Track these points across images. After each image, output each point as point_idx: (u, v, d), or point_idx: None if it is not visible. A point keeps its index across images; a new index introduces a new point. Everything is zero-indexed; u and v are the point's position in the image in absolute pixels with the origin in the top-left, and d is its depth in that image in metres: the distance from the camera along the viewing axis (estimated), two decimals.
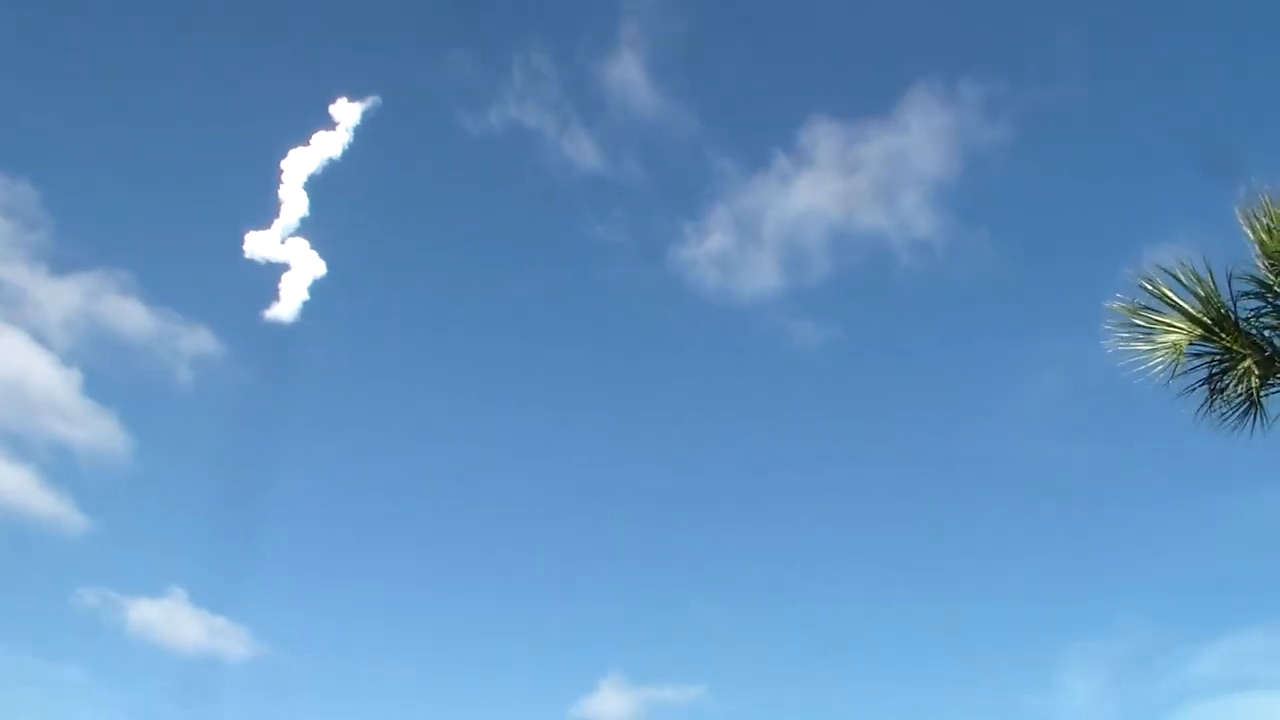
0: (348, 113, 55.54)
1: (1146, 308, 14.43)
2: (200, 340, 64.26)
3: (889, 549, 66.40)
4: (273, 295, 55.60)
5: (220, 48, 73.77)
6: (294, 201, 54.20)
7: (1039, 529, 64.52)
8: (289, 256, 54.88)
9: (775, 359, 70.89)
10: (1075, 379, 63.31)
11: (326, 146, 54.78)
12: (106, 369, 64.68)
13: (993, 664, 59.77)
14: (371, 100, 56.79)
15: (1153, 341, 14.34)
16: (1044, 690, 56.68)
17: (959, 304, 72.99)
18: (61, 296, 63.59)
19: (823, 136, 71.46)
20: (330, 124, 55.52)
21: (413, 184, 75.05)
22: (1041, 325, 72.05)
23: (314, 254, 55.30)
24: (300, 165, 54.26)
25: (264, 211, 55.53)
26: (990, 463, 67.02)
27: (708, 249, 68.16)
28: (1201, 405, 14.50)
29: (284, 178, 54.60)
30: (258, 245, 54.45)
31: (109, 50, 72.88)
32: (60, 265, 67.73)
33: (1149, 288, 14.42)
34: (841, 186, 68.21)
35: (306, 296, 55.59)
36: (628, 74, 69.02)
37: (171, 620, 57.71)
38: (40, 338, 61.82)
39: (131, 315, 63.61)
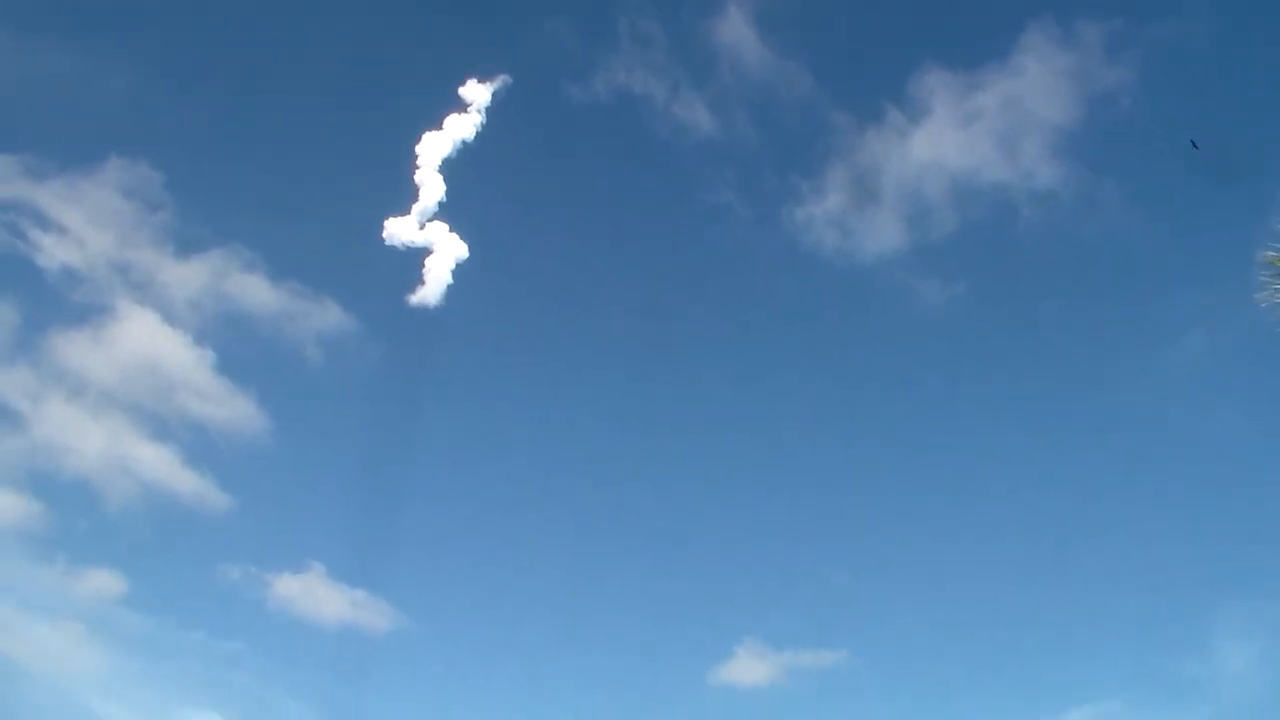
0: (478, 93, 56.41)
1: None
2: (329, 315, 65.75)
3: (1025, 515, 65.22)
4: (415, 280, 56.74)
5: (342, 29, 75.66)
6: (431, 185, 55.03)
7: (1188, 494, 62.25)
8: (429, 240, 55.81)
9: (900, 319, 69.49)
10: (1222, 338, 60.39)
11: (459, 128, 55.61)
12: (237, 347, 66.14)
13: (1142, 632, 58.21)
14: (501, 80, 57.62)
15: None
16: (1198, 655, 55.05)
17: (1089, 259, 70.25)
18: (188, 276, 65.44)
19: (937, 86, 69.65)
20: (461, 106, 56.54)
21: (536, 160, 75.56)
22: (1180, 281, 68.64)
23: (454, 236, 56.19)
24: (434, 148, 55.17)
25: (396, 194, 56.79)
26: (1134, 427, 64.88)
27: (825, 208, 67.25)
28: None
29: (419, 162, 55.69)
30: (397, 230, 55.33)
31: (232, 34, 75.30)
32: (184, 245, 67.87)
33: None
34: (959, 138, 66.36)
35: (450, 280, 56.58)
36: (736, 32, 68.18)
37: (313, 595, 60.03)
38: (170, 318, 64.01)
39: (257, 292, 65.30)
